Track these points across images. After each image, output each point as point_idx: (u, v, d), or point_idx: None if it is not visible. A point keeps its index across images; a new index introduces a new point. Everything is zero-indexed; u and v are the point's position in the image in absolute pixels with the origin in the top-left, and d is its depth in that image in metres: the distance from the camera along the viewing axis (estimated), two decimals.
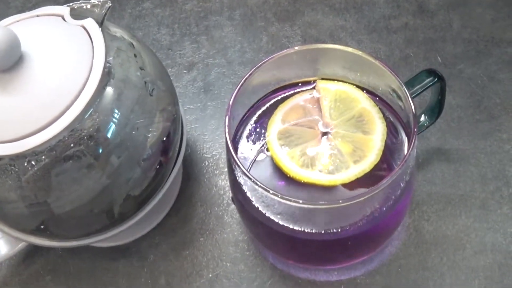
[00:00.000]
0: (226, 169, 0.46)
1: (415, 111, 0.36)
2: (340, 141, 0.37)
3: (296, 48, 0.39)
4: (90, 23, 0.37)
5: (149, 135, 0.38)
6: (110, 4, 0.38)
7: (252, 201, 0.36)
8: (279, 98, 0.41)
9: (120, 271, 0.44)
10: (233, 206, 0.45)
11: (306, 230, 0.35)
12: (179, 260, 0.43)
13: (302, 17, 0.56)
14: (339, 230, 0.35)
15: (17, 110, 0.34)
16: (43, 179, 0.35)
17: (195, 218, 0.45)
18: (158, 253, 0.44)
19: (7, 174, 0.35)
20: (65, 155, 0.34)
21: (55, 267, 0.44)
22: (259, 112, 0.41)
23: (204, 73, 0.53)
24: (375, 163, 0.36)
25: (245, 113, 0.40)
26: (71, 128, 0.34)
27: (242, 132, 0.40)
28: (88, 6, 0.38)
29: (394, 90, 0.38)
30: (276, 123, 0.39)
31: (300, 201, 0.33)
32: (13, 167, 0.34)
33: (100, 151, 0.35)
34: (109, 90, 0.36)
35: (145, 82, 0.38)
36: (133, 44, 0.39)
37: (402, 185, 0.36)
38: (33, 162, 0.34)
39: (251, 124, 0.40)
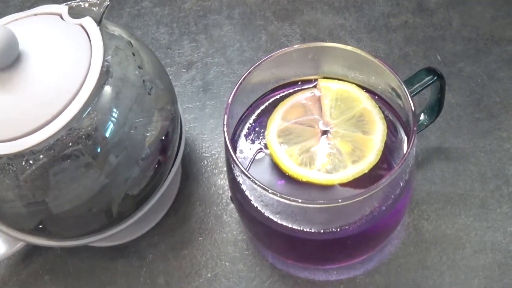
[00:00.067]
0: (225, 168, 0.46)
1: (414, 110, 0.36)
2: (340, 141, 0.37)
3: (295, 46, 0.39)
4: (88, 22, 0.37)
5: (148, 134, 0.37)
6: (108, 3, 0.38)
7: (251, 200, 0.36)
8: (278, 97, 0.41)
9: (119, 271, 0.43)
10: (232, 205, 0.45)
11: (305, 230, 0.35)
12: (178, 259, 0.43)
13: (301, 15, 0.56)
14: (339, 230, 0.35)
15: (15, 109, 0.34)
16: (41, 178, 0.35)
17: (194, 218, 0.45)
18: (157, 253, 0.44)
19: (5, 174, 0.34)
20: (63, 154, 0.34)
21: (53, 267, 0.44)
22: (258, 111, 0.41)
23: (203, 72, 0.53)
24: (374, 163, 0.36)
25: (244, 112, 0.40)
26: (69, 127, 0.34)
27: (241, 131, 0.40)
28: (86, 5, 0.38)
29: (393, 89, 0.38)
30: (276, 121, 0.39)
31: (299, 201, 0.33)
32: (11, 166, 0.34)
33: (98, 150, 0.35)
34: (107, 89, 0.36)
35: (144, 81, 0.38)
36: (131, 43, 0.39)
37: (401, 184, 0.36)
38: (31, 161, 0.34)
39: (250, 123, 0.40)
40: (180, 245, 0.44)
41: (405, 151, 0.36)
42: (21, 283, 0.44)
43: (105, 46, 0.36)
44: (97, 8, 0.37)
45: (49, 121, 0.34)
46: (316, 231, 0.35)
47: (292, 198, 0.33)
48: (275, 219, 0.36)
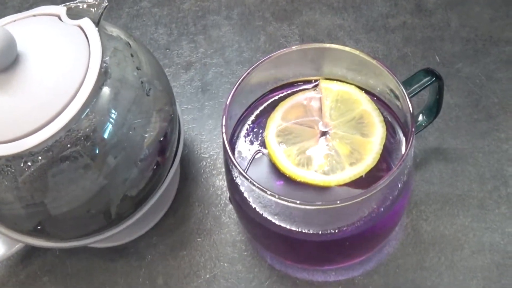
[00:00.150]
0: (223, 169, 0.46)
1: (412, 111, 0.36)
2: (338, 142, 0.37)
3: (294, 47, 0.39)
4: (87, 23, 0.37)
5: (146, 135, 0.37)
6: (106, 4, 0.38)
7: (250, 201, 0.36)
8: (276, 97, 0.41)
9: (118, 272, 0.43)
10: (230, 206, 0.45)
11: (303, 231, 0.35)
12: (176, 260, 0.43)
13: (300, 16, 0.56)
14: (337, 231, 0.35)
15: (14, 110, 0.34)
16: (39, 180, 0.35)
17: (192, 218, 0.45)
18: (155, 253, 0.44)
19: (3, 175, 0.34)
20: (62, 156, 0.34)
21: (52, 268, 0.44)
22: (257, 111, 0.41)
23: (201, 72, 0.53)
24: (372, 166, 0.36)
25: (243, 113, 0.40)
26: (67, 129, 0.34)
27: (240, 132, 0.40)
28: (85, 6, 0.38)
29: (391, 90, 0.38)
30: (275, 121, 0.39)
31: (298, 202, 0.33)
32: (9, 168, 0.34)
33: (97, 151, 0.35)
34: (106, 90, 0.36)
35: (142, 82, 0.38)
36: (129, 44, 0.39)
37: (400, 185, 0.36)
38: (29, 163, 0.34)
39: (248, 124, 0.40)
40: (179, 246, 0.44)
41: (403, 152, 0.37)
42: (20, 284, 0.44)
43: (104, 47, 0.36)
44: (95, 9, 0.37)
45: (48, 122, 0.34)
46: (315, 232, 0.35)
47: (290, 200, 0.33)
48: (273, 220, 0.36)
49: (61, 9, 0.38)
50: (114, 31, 0.39)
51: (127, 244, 0.44)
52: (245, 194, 0.36)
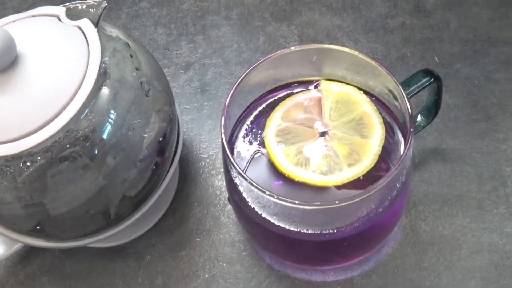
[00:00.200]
0: (222, 170, 0.46)
1: (411, 111, 0.36)
2: (337, 143, 0.37)
3: (293, 48, 0.39)
4: (86, 24, 0.37)
5: (145, 135, 0.38)
6: (105, 4, 0.38)
7: (248, 201, 0.36)
8: (275, 98, 0.41)
9: (117, 272, 0.44)
10: (229, 206, 0.45)
11: (302, 231, 0.35)
12: (175, 260, 0.43)
13: (299, 16, 0.56)
14: (336, 231, 0.35)
15: (13, 111, 0.34)
16: (38, 180, 0.35)
17: (191, 219, 0.45)
18: (154, 254, 0.44)
19: (2, 175, 0.34)
20: (61, 156, 0.34)
21: (51, 268, 0.44)
22: (256, 112, 0.41)
23: (200, 73, 0.53)
24: (370, 168, 0.36)
25: (242, 113, 0.40)
26: (66, 129, 0.34)
27: (239, 132, 0.40)
28: (84, 7, 0.38)
29: (390, 90, 0.38)
30: (275, 120, 0.39)
31: (296, 202, 0.33)
32: (8, 168, 0.34)
33: (96, 151, 0.35)
34: (105, 91, 0.36)
35: (141, 83, 0.38)
36: (129, 44, 0.39)
37: (398, 186, 0.36)
38: (28, 163, 0.34)
39: (247, 125, 0.40)
40: (178, 246, 0.44)
41: (402, 153, 0.37)
42: (19, 284, 0.44)
43: (103, 47, 0.36)
44: (94, 9, 0.37)
45: (47, 122, 0.34)
46: (314, 232, 0.35)
47: (289, 200, 0.33)
48: (272, 221, 0.36)
49: (60, 10, 0.38)
50: (113, 31, 0.39)
51: (126, 244, 0.44)
52: (244, 194, 0.36)
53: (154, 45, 0.55)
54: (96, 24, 0.37)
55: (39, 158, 0.34)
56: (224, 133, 0.36)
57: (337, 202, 0.33)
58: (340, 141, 0.37)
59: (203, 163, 0.48)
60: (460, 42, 0.52)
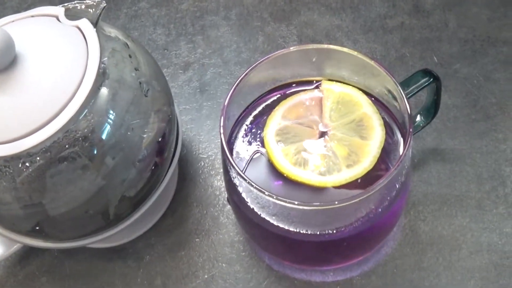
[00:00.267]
0: (221, 170, 0.46)
1: (410, 111, 0.36)
2: (336, 144, 0.37)
3: (292, 48, 0.39)
4: (85, 24, 0.37)
5: (144, 135, 0.37)
6: (104, 5, 0.38)
7: (248, 202, 0.36)
8: (275, 98, 0.41)
9: (116, 272, 0.43)
10: (228, 206, 0.45)
11: (301, 231, 0.35)
12: (175, 260, 0.43)
13: (298, 16, 0.56)
14: (335, 231, 0.35)
15: (12, 111, 0.34)
16: (37, 181, 0.35)
17: (190, 219, 0.45)
18: (154, 254, 0.44)
19: (1, 176, 0.34)
20: (60, 156, 0.34)
21: (50, 268, 0.44)
22: (255, 112, 0.41)
23: (200, 73, 0.53)
24: (369, 169, 0.36)
25: (241, 114, 0.40)
26: (65, 129, 0.34)
27: (238, 132, 0.40)
28: (83, 7, 0.38)
29: (389, 90, 0.38)
30: (275, 119, 0.39)
31: (296, 202, 0.33)
32: (7, 169, 0.34)
33: (95, 152, 0.35)
34: (104, 91, 0.36)
35: (140, 83, 0.38)
36: (128, 45, 0.39)
37: (397, 186, 0.36)
38: (27, 164, 0.34)
39: (246, 125, 0.40)
40: (177, 246, 0.44)
41: (401, 153, 0.36)
42: (18, 285, 0.44)
43: (102, 48, 0.36)
44: (93, 10, 0.37)
45: (46, 123, 0.34)
46: (313, 232, 0.35)
47: (288, 200, 0.33)
48: (271, 221, 0.36)
49: (59, 10, 0.38)
50: (112, 31, 0.39)
51: (125, 244, 0.44)
52: (243, 195, 0.36)
53: (153, 45, 0.55)
54: (95, 24, 0.37)
55: (38, 158, 0.34)
56: (223, 133, 0.36)
57: (336, 202, 0.33)
58: (340, 142, 0.37)
59: (202, 163, 0.48)
60: (459, 42, 0.52)
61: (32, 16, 0.39)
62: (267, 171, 0.38)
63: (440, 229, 0.43)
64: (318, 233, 0.35)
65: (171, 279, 0.43)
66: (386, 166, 0.37)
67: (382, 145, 0.37)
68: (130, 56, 0.38)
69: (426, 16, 0.54)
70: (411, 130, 0.35)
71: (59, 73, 0.35)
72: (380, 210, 0.35)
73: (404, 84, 0.39)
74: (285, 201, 0.33)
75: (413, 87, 0.40)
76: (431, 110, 0.43)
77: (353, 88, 0.40)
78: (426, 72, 0.40)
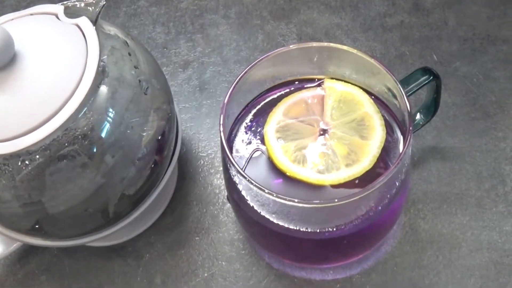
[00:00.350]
0: (221, 168, 0.46)
1: (410, 110, 0.36)
2: (336, 142, 0.37)
3: (292, 46, 0.39)
4: (84, 22, 0.37)
5: (144, 134, 0.37)
6: (104, 3, 0.37)
7: (247, 200, 0.36)
8: (274, 96, 0.41)
9: (115, 271, 0.43)
10: (228, 205, 0.45)
11: (301, 229, 0.35)
12: (174, 259, 0.43)
13: (298, 15, 0.56)
14: (335, 229, 0.35)
15: (11, 109, 0.34)
16: (37, 179, 0.34)
17: (190, 217, 0.45)
18: (153, 252, 0.44)
19: (1, 174, 0.34)
20: (59, 155, 0.34)
21: (50, 267, 0.44)
22: (255, 110, 0.41)
23: (199, 71, 0.53)
24: (368, 169, 0.36)
25: (241, 112, 0.40)
26: (65, 127, 0.34)
27: (238, 130, 0.40)
28: (82, 5, 0.38)
29: (389, 89, 0.38)
30: (277, 116, 0.39)
31: (296, 200, 0.33)
32: (7, 167, 0.34)
33: (95, 150, 0.35)
34: (103, 89, 0.35)
35: (140, 81, 0.38)
36: (127, 43, 0.39)
37: (397, 184, 0.36)
38: (27, 162, 0.34)
39: (246, 123, 0.40)
40: (177, 245, 0.44)
41: (401, 151, 0.36)
42: (17, 283, 0.44)
43: (101, 46, 0.36)
44: (93, 8, 0.37)
45: (45, 121, 0.34)
46: (313, 230, 0.35)
47: (288, 198, 0.33)
48: (271, 219, 0.36)
49: (58, 8, 0.38)
50: (111, 29, 0.39)
51: (125, 243, 0.44)
52: (243, 193, 0.36)
53: (153, 43, 0.55)
54: (95, 22, 0.37)
55: (37, 156, 0.34)
56: (223, 131, 0.36)
57: (336, 200, 0.33)
58: (340, 140, 0.37)
59: (202, 162, 0.48)
60: (459, 41, 0.52)
61: (31, 14, 0.38)
62: (267, 169, 0.38)
63: (440, 227, 0.43)
64: (318, 231, 0.35)
65: (170, 277, 0.43)
66: (386, 164, 0.37)
67: (382, 145, 0.37)
68: (129, 54, 0.38)
69: (425, 15, 0.54)
70: (411, 128, 0.35)
71: (58, 71, 0.35)
72: (380, 208, 0.35)
73: (404, 82, 0.39)
74: (285, 199, 0.33)
75: (413, 85, 0.40)
76: (431, 108, 0.43)
77: (356, 87, 0.39)
78: (426, 70, 0.40)
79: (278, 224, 0.36)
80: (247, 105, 0.40)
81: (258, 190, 0.34)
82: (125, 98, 0.36)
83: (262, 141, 0.38)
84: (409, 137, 0.35)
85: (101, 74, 0.36)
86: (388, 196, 0.36)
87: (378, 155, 0.37)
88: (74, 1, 0.38)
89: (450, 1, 0.54)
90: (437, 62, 0.51)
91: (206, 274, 0.43)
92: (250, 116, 0.40)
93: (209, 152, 0.48)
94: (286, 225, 0.36)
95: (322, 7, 0.56)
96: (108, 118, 0.35)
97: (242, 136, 0.39)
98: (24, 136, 0.34)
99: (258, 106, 0.41)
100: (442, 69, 0.50)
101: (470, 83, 0.49)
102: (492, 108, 0.48)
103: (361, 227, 0.36)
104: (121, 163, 0.36)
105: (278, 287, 0.42)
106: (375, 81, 0.39)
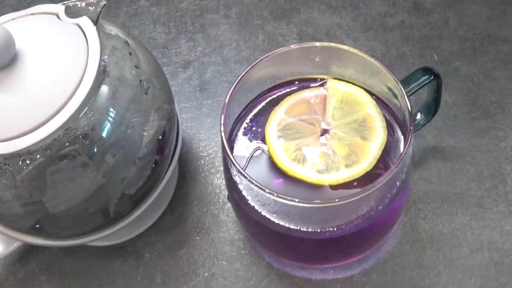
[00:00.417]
0: (222, 168, 0.46)
1: (411, 109, 0.36)
2: (337, 143, 0.37)
3: (292, 46, 0.39)
4: (85, 22, 0.37)
5: (145, 133, 0.37)
6: (105, 2, 0.37)
7: (248, 199, 0.36)
8: (275, 96, 0.41)
9: (116, 270, 0.43)
10: (229, 204, 0.45)
11: (302, 229, 0.35)
12: (175, 259, 0.43)
13: (298, 15, 0.56)
14: (335, 229, 0.35)
15: (12, 108, 0.34)
16: (38, 178, 0.34)
17: (191, 217, 0.45)
18: (154, 252, 0.44)
19: (1, 174, 0.34)
20: (60, 154, 0.34)
21: (50, 267, 0.44)
22: (255, 110, 0.41)
23: (200, 71, 0.53)
24: (367, 170, 0.36)
25: (241, 112, 0.40)
26: (66, 127, 0.34)
27: (238, 130, 0.40)
28: (83, 4, 0.38)
29: (390, 88, 0.38)
30: (278, 114, 0.39)
31: (296, 200, 0.33)
32: (7, 166, 0.34)
33: (95, 150, 0.35)
34: (104, 89, 0.35)
35: (140, 81, 0.38)
36: (128, 42, 0.39)
37: (398, 184, 0.36)
38: (27, 161, 0.34)
39: (247, 123, 0.40)
40: (177, 245, 0.44)
41: (402, 151, 0.36)
42: (18, 283, 0.44)
43: (102, 45, 0.36)
44: (93, 7, 0.37)
45: (46, 121, 0.34)
46: (313, 230, 0.35)
47: (289, 198, 0.33)
48: (272, 219, 0.36)
49: (59, 8, 0.38)
50: (112, 29, 0.39)
51: (125, 242, 0.44)
52: (244, 192, 0.36)
53: (153, 43, 0.55)
54: (95, 22, 0.37)
55: (38, 156, 0.34)
56: (223, 131, 0.36)
57: (337, 200, 0.33)
58: (340, 141, 0.37)
59: (203, 161, 0.48)
60: (459, 40, 0.52)
61: (32, 14, 0.38)
62: (267, 169, 0.38)
63: (440, 227, 0.43)
64: (318, 231, 0.35)
65: (171, 277, 0.43)
66: (386, 164, 0.37)
67: (383, 147, 0.37)
68: (130, 54, 0.38)
69: (426, 14, 0.54)
70: (411, 128, 0.35)
71: (59, 71, 0.35)
72: (380, 208, 0.35)
73: (405, 82, 0.39)
74: (286, 199, 0.33)
75: (413, 85, 0.40)
76: (432, 108, 0.43)
77: (358, 88, 0.39)
78: (427, 70, 0.40)
79: (278, 224, 0.36)
80: (247, 105, 0.41)
81: (259, 190, 0.34)
82: (126, 98, 0.36)
83: (263, 141, 0.38)
84: (409, 137, 0.35)
85: (102, 74, 0.36)
86: (389, 195, 0.36)
87: (378, 156, 0.37)
88: (75, 1, 0.38)
89: (451, 1, 0.54)
90: (438, 62, 0.51)
91: (206, 274, 0.43)
92: (250, 116, 0.40)
93: (209, 151, 0.48)
94: (286, 225, 0.36)
95: (323, 6, 0.56)
96: (109, 118, 0.35)
97: (242, 136, 0.39)
98: (25, 136, 0.34)
99: (259, 106, 0.41)
100: (442, 69, 0.50)
101: (470, 83, 0.49)
102: (492, 108, 0.48)
103: (362, 227, 0.36)
104: (121, 163, 0.36)
105: (279, 286, 0.42)
106: (375, 81, 0.39)
